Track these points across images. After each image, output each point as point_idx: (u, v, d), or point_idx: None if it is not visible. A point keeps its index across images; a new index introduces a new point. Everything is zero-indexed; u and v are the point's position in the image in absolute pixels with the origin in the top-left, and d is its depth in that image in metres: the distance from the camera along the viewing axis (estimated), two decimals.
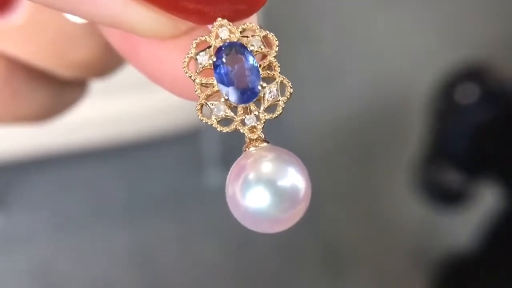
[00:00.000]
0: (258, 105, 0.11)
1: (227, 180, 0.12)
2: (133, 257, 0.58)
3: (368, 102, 0.66)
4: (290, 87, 0.11)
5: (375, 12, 0.73)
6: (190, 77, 0.11)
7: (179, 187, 0.61)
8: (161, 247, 0.58)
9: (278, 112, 0.11)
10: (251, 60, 0.11)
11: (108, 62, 0.14)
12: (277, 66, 0.11)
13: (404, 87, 0.67)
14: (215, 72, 0.11)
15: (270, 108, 0.11)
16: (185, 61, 0.11)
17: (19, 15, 0.12)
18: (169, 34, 0.11)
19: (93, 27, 0.13)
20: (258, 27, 0.11)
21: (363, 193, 0.61)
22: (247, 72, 0.11)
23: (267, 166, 0.11)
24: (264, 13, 0.55)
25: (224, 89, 0.11)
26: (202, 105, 0.11)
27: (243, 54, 0.11)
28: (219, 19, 0.11)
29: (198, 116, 0.11)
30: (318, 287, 0.57)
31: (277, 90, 0.11)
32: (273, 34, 0.11)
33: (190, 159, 0.62)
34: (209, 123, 0.11)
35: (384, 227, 0.60)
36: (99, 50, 0.13)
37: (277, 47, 0.11)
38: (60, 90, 0.14)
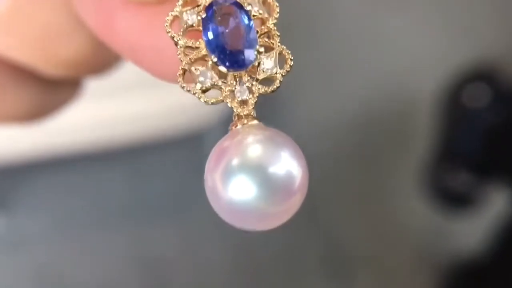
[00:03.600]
0: (251, 76, 0.10)
1: (205, 167, 0.10)
2: (135, 260, 0.57)
3: (375, 103, 0.66)
4: (291, 60, 0.10)
5: (381, 12, 0.73)
6: (173, 38, 0.09)
7: (182, 190, 0.61)
8: (164, 251, 0.58)
9: (275, 86, 0.10)
10: (247, 20, 0.09)
11: (99, 59, 0.13)
12: (276, 35, 0.10)
13: (412, 87, 0.66)
14: (203, 30, 0.09)
15: (266, 82, 0.10)
16: (168, 19, 0.09)
17: (1, 2, 0.11)
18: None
19: (79, 22, 0.12)
20: None
21: (369, 195, 0.61)
22: (242, 33, 0.09)
23: (255, 149, 0.09)
24: None
25: (213, 50, 0.09)
26: (184, 71, 0.09)
27: (238, 12, 0.09)
28: None
29: (179, 83, 0.09)
30: None
31: (274, 61, 0.10)
32: None
33: (193, 162, 0.62)
34: (191, 92, 0.09)
35: (391, 230, 0.59)
36: (89, 46, 0.12)
37: (278, 14, 0.10)
38: (50, 89, 0.13)
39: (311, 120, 0.64)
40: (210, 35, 0.09)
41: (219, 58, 0.09)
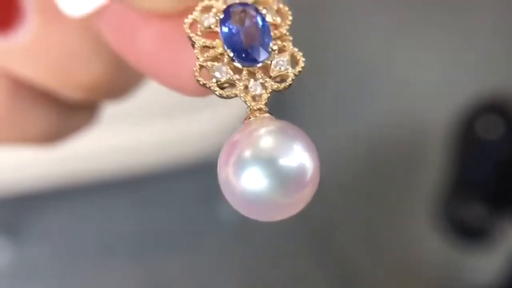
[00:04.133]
0: (265, 73, 0.10)
1: (218, 163, 0.10)
2: None
3: (388, 132, 0.65)
4: (303, 61, 0.10)
5: (394, 42, 0.73)
6: (191, 38, 0.10)
7: (193, 220, 0.61)
8: (174, 282, 0.57)
9: (288, 83, 0.10)
10: (261, 21, 0.10)
11: (117, 83, 0.13)
12: (288, 39, 0.10)
13: (424, 117, 0.66)
14: (220, 28, 0.10)
15: (278, 80, 0.10)
16: (187, 21, 0.10)
17: (24, 34, 0.12)
18: (172, 6, 0.10)
19: (101, 44, 0.12)
20: None
21: (381, 226, 0.60)
22: (257, 31, 0.10)
23: (267, 141, 0.09)
24: None
25: (229, 46, 0.10)
26: (201, 66, 0.10)
27: (254, 14, 0.10)
28: None
29: (196, 77, 0.10)
30: None
31: (287, 61, 0.10)
32: (287, 7, 0.10)
33: (204, 192, 0.62)
34: (207, 85, 0.10)
35: (402, 262, 0.59)
36: (107, 71, 0.13)
37: (290, 21, 0.10)
38: (68, 112, 0.14)
39: (322, 147, 0.63)
40: (227, 31, 0.10)
41: (234, 53, 0.10)
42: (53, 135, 0.14)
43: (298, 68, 0.10)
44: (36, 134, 0.13)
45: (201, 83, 0.10)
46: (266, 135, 0.10)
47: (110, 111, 0.16)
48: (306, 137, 0.10)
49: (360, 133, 0.65)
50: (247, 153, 0.09)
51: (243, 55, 0.10)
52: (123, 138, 0.52)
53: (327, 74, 0.69)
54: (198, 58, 0.10)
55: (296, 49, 0.10)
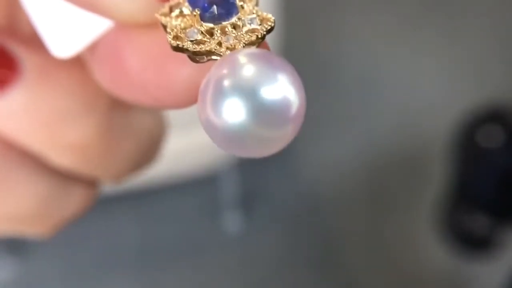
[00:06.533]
0: (236, 29, 0.10)
1: (197, 105, 0.09)
2: None
3: (389, 145, 0.65)
4: (272, 19, 0.09)
5: (395, 54, 0.73)
6: (161, 22, 0.10)
7: (196, 233, 0.60)
8: None
9: (261, 35, 0.09)
10: None
11: (108, 149, 0.13)
12: (256, 5, 0.10)
13: (426, 129, 0.66)
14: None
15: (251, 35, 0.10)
16: (158, 12, 0.10)
17: (18, 93, 0.12)
18: (143, 14, 0.10)
19: (93, 103, 0.12)
20: None
21: (386, 239, 0.60)
22: None
23: (248, 69, 0.09)
24: (283, 53, 0.54)
25: (195, 4, 0.09)
26: (175, 36, 0.09)
27: None
28: None
29: (169, 42, 0.09)
30: None
31: (256, 18, 0.10)
32: None
33: (207, 204, 0.62)
34: (183, 46, 0.09)
35: (406, 273, 0.58)
36: (98, 131, 0.12)
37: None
38: (61, 184, 0.13)
39: (325, 164, 0.63)
40: None
41: (203, 10, 0.09)
42: (44, 213, 0.13)
43: (270, 23, 0.09)
44: (24, 211, 0.13)
45: (174, 45, 0.09)
46: (248, 64, 0.09)
47: None
48: (293, 70, 0.09)
49: (361, 148, 0.65)
50: (227, 82, 0.09)
51: (211, 10, 0.09)
52: None
53: (327, 88, 0.69)
54: (169, 32, 0.09)
55: (265, 13, 0.10)
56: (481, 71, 0.71)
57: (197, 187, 0.61)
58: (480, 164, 0.49)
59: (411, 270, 0.58)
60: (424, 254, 0.58)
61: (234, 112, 0.09)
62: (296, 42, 0.66)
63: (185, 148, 0.51)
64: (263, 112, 0.09)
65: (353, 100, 0.69)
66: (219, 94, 0.09)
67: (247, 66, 0.09)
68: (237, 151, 0.09)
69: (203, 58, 0.10)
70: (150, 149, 0.14)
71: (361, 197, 0.62)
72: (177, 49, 0.09)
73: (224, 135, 0.09)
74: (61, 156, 0.12)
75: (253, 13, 0.10)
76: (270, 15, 0.10)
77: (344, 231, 0.60)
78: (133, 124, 0.13)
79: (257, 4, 0.10)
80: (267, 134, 0.09)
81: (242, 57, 0.09)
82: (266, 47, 0.10)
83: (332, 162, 0.64)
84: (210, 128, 0.09)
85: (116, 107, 0.12)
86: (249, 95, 0.09)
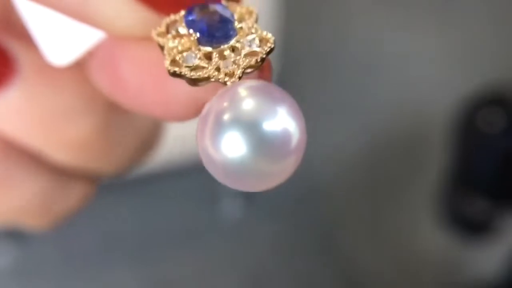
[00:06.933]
0: (235, 54, 0.10)
1: (196, 133, 0.09)
2: None
3: (388, 132, 0.65)
4: (272, 39, 0.10)
5: (394, 39, 0.73)
6: (158, 42, 0.10)
7: (196, 220, 0.60)
8: (176, 283, 0.57)
9: (260, 58, 0.09)
10: (227, 12, 0.09)
11: (107, 146, 0.13)
12: (256, 25, 0.10)
13: (425, 113, 0.66)
14: (184, 20, 0.09)
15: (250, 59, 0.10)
16: (157, 31, 0.10)
17: (16, 91, 0.11)
18: (143, 30, 0.10)
19: (93, 100, 0.12)
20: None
21: (385, 225, 0.60)
22: (219, 13, 0.09)
23: (248, 103, 0.09)
24: (281, 40, 0.54)
25: (193, 28, 0.09)
26: (172, 61, 0.09)
27: (218, 6, 0.09)
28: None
29: (167, 68, 0.09)
30: None
31: (256, 40, 0.10)
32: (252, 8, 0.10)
33: (205, 191, 0.62)
34: (180, 73, 0.09)
35: (408, 259, 0.58)
36: (97, 129, 0.12)
37: (257, 15, 0.10)
38: (60, 180, 0.13)
39: (324, 151, 0.63)
40: (190, 19, 0.09)
41: (201, 34, 0.09)
42: (43, 207, 0.13)
43: (269, 44, 0.09)
44: (23, 205, 0.13)
45: (171, 71, 0.09)
46: (247, 98, 0.09)
47: None
48: (293, 101, 0.09)
49: (361, 130, 0.65)
50: (227, 116, 0.09)
51: (209, 34, 0.09)
52: None
53: (325, 74, 0.69)
54: (168, 53, 0.09)
55: (264, 32, 0.10)
56: (481, 54, 0.70)
57: (197, 174, 0.61)
58: (480, 147, 0.49)
59: (410, 255, 0.58)
60: (423, 239, 0.59)
61: (233, 146, 0.09)
62: (293, 27, 0.66)
63: (185, 134, 0.51)
64: (263, 146, 0.09)
65: (351, 85, 0.69)
66: (219, 127, 0.09)
67: (247, 100, 0.09)
68: (237, 184, 0.09)
69: (202, 83, 0.10)
70: (150, 142, 0.14)
71: (361, 184, 0.62)
72: (174, 75, 0.09)
73: (223, 169, 0.09)
74: (59, 154, 0.12)
75: (252, 33, 0.10)
76: (270, 35, 0.10)
77: (343, 217, 0.60)
78: (133, 120, 0.13)
79: (256, 21, 0.10)
80: (267, 168, 0.09)
81: (242, 90, 0.09)
82: (268, 69, 0.10)
83: (331, 149, 0.64)
84: (208, 159, 0.09)
85: (115, 105, 0.12)
86: (249, 128, 0.09)
